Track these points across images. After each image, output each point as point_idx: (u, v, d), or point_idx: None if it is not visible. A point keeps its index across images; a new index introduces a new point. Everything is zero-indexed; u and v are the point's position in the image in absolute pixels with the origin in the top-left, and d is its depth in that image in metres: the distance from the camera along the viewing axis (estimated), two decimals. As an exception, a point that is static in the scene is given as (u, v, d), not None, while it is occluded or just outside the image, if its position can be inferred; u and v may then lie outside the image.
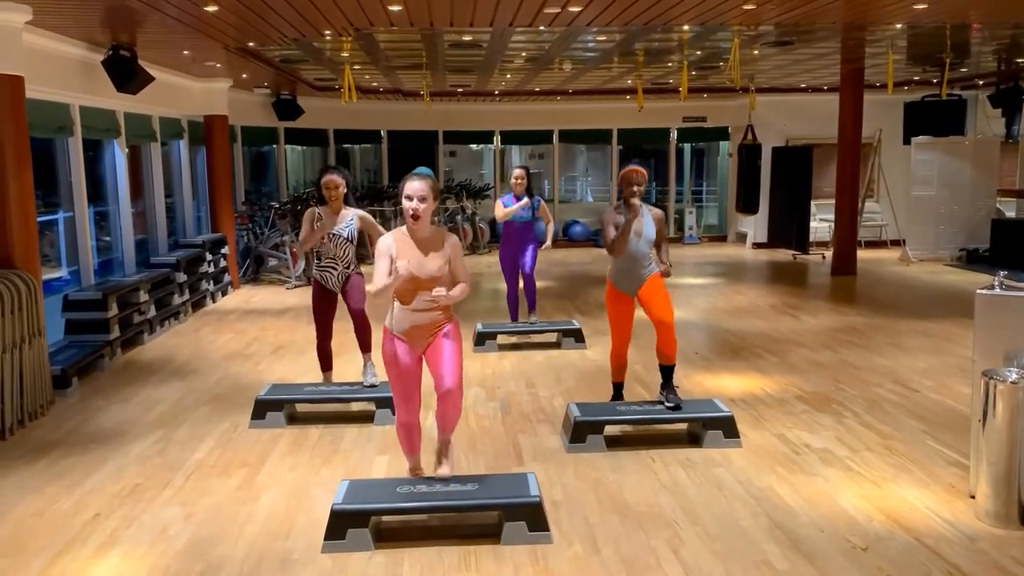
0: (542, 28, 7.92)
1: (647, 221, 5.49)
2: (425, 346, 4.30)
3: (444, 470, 4.42)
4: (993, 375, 4.19)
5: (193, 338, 8.98)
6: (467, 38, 8.86)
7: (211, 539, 4.21)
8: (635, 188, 5.35)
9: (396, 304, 4.25)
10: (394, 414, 5.82)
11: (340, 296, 6.31)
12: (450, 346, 4.26)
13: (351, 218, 6.17)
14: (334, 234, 6.11)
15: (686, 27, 7.93)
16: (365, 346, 6.40)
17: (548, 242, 8.34)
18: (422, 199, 4.12)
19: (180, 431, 5.89)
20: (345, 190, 6.17)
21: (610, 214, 5.52)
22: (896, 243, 15.08)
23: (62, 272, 10.42)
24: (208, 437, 5.75)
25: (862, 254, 13.41)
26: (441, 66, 11.34)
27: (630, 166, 5.41)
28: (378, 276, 4.11)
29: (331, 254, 6.16)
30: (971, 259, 13.57)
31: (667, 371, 5.66)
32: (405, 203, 4.14)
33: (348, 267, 6.20)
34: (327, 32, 7.85)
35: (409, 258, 4.13)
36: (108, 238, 10.40)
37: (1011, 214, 14.86)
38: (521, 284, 8.43)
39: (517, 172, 8.15)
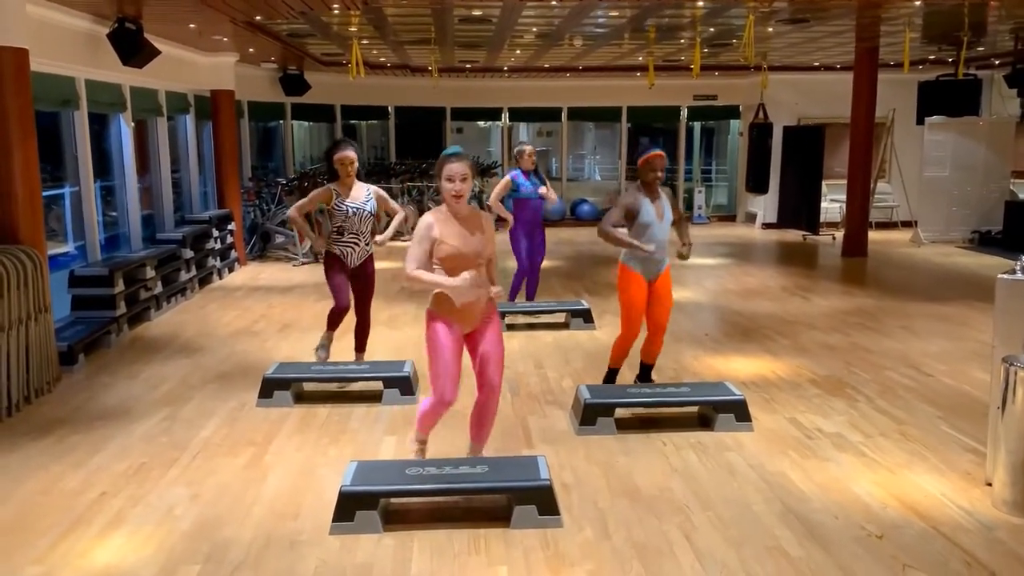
0: (553, 3, 7.79)
1: (666, 204, 5.59)
2: (470, 330, 4.35)
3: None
4: (1013, 362, 4.11)
5: (199, 315, 8.93)
6: (477, 12, 8.72)
7: (218, 520, 4.18)
8: (659, 173, 5.49)
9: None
10: (404, 393, 5.86)
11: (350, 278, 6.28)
12: (497, 337, 4.37)
13: (368, 193, 6.16)
14: (357, 208, 6.07)
15: (700, 3, 7.78)
16: (361, 346, 6.50)
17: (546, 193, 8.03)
18: (463, 179, 4.16)
19: (186, 409, 5.85)
20: (358, 164, 6.13)
21: (628, 196, 5.57)
22: (907, 224, 14.95)
23: (68, 247, 10.39)
24: (214, 415, 5.71)
25: (873, 235, 13.28)
26: (450, 41, 11.20)
27: (654, 151, 5.50)
28: (412, 258, 4.17)
29: (355, 229, 6.12)
30: (983, 241, 13.43)
31: (648, 369, 5.99)
32: (446, 185, 4.16)
33: (367, 244, 6.20)
34: (335, 6, 7.72)
35: (455, 238, 4.17)
36: (114, 213, 10.34)
37: (1025, 196, 14.71)
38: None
39: (530, 148, 8.01)
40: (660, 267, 5.63)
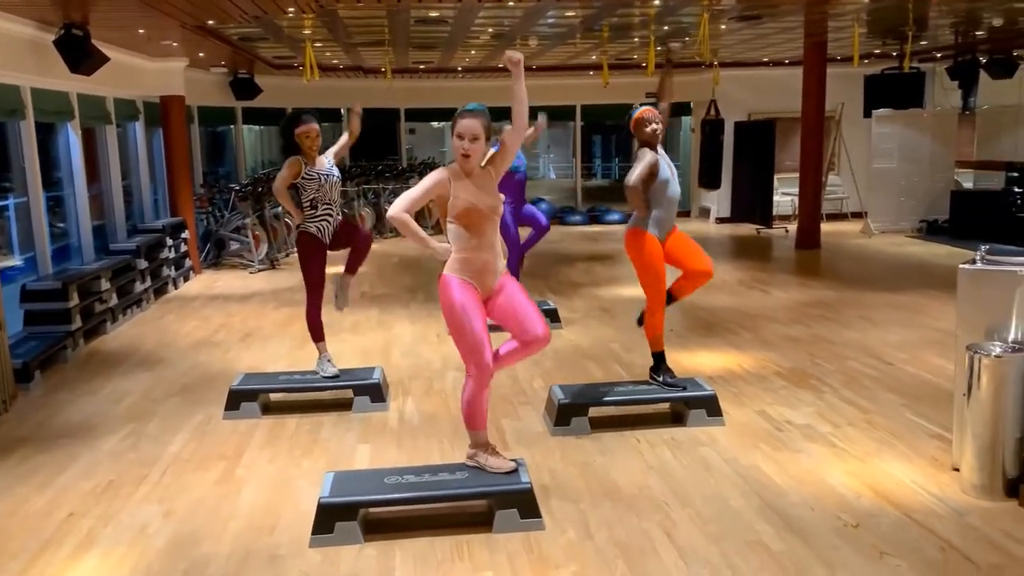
0: (511, 3, 7.77)
1: (664, 160, 5.34)
2: (487, 294, 4.12)
3: None
4: (977, 349, 4.22)
5: (157, 326, 8.75)
6: (433, 14, 8.68)
7: (193, 536, 4.09)
8: (656, 125, 5.25)
9: (463, 246, 4.06)
10: (375, 400, 5.79)
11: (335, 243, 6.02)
12: (521, 290, 4.18)
13: (330, 159, 5.98)
14: (327, 175, 5.88)
15: (657, 1, 7.83)
16: (353, 267, 6.08)
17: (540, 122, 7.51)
18: (474, 138, 3.98)
19: (152, 424, 5.72)
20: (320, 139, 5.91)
21: (647, 155, 5.24)
22: (857, 216, 15.27)
23: (15, 260, 10.09)
24: (181, 430, 5.59)
25: (824, 227, 13.51)
26: (405, 43, 11.13)
27: (641, 108, 5.33)
28: (407, 198, 4.01)
29: (327, 198, 5.89)
30: (931, 230, 13.77)
31: (671, 299, 5.58)
32: (456, 142, 3.99)
33: (339, 214, 6.02)
34: (291, 9, 7.61)
35: (470, 193, 4.01)
36: (62, 224, 10.07)
37: (968, 185, 15.12)
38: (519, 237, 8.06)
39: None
40: (672, 223, 5.42)
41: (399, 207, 3.99)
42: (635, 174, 5.18)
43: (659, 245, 5.33)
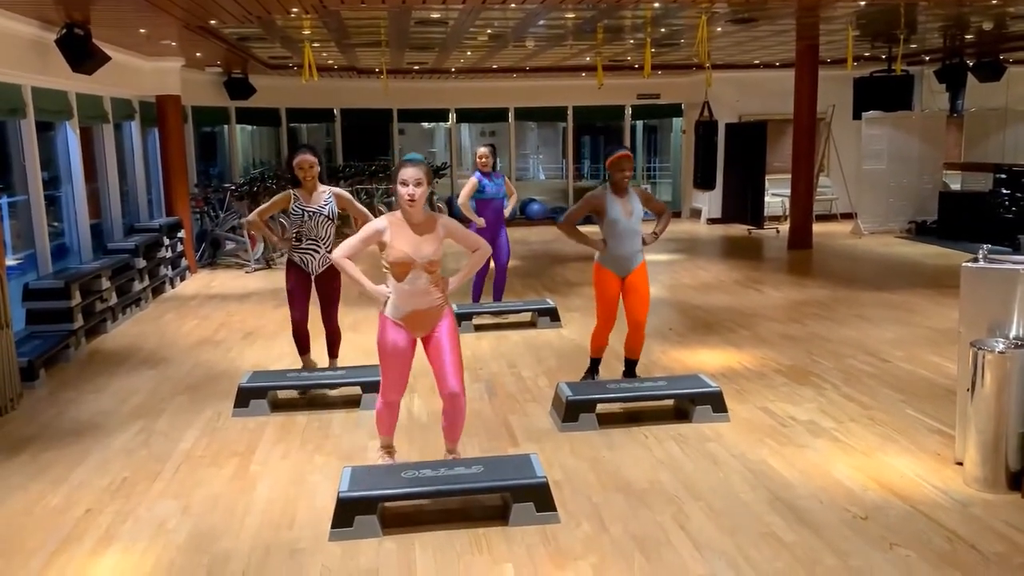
0: (512, 5, 7.84)
1: (635, 201, 5.86)
2: (424, 334, 4.41)
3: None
4: (981, 346, 4.32)
5: (157, 325, 8.75)
6: (435, 15, 8.73)
7: (212, 531, 4.14)
8: (626, 172, 5.78)
9: (394, 290, 4.33)
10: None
11: (315, 287, 6.22)
12: (451, 343, 4.39)
13: (328, 195, 6.13)
14: (314, 212, 6.05)
15: (656, 4, 7.93)
16: (333, 352, 6.46)
17: (507, 213, 8.27)
18: (417, 183, 4.22)
19: (161, 421, 5.75)
20: (319, 168, 6.11)
21: (594, 194, 5.89)
22: (846, 216, 15.43)
23: (9, 260, 10.03)
24: (191, 427, 5.62)
25: (815, 228, 13.64)
26: (402, 44, 11.17)
27: (620, 151, 5.80)
28: (347, 246, 4.35)
29: (312, 234, 6.08)
30: (920, 231, 13.94)
31: (632, 364, 6.16)
32: (400, 189, 4.23)
33: (330, 251, 6.08)
34: (294, 9, 7.65)
35: (407, 244, 4.26)
36: (57, 223, 10.05)
37: (956, 187, 15.31)
38: (493, 273, 8.49)
39: (482, 151, 8.14)
40: (632, 262, 5.89)
41: (340, 252, 4.38)
42: (566, 214, 6.06)
43: (610, 277, 5.88)
